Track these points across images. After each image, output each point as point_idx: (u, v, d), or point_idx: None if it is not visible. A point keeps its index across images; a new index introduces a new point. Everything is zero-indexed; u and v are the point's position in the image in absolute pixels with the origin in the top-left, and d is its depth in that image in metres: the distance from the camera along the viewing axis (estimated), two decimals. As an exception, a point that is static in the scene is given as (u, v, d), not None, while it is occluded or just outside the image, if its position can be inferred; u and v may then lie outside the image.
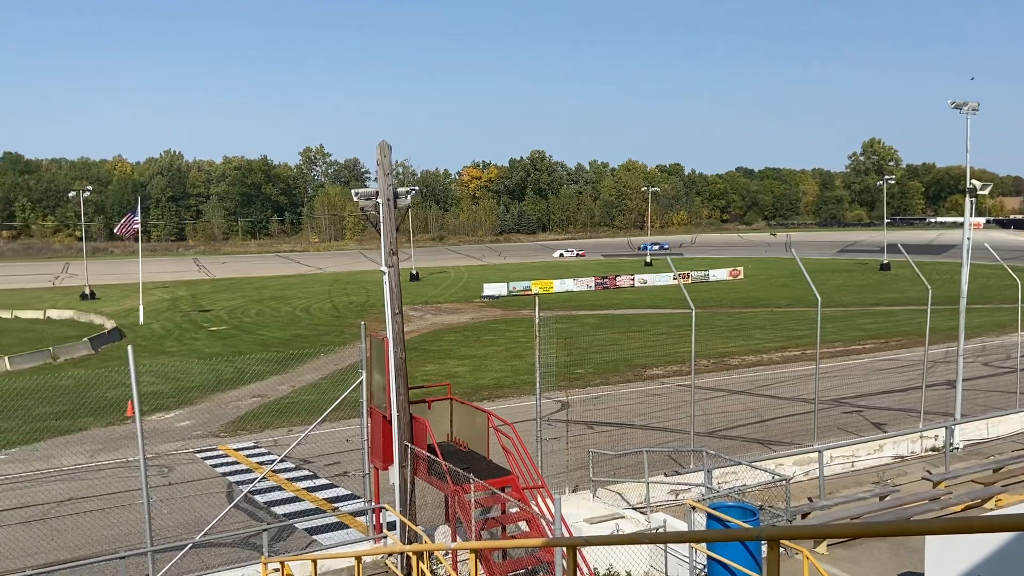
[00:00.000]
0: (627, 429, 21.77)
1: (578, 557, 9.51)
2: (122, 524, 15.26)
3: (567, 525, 10.12)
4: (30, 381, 31.99)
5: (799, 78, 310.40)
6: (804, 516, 13.62)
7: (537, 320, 13.72)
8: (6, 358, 36.55)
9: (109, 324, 48.91)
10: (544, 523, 10.53)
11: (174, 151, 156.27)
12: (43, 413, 26.00)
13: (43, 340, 43.88)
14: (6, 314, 57.18)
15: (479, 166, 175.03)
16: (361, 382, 12.93)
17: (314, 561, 8.96)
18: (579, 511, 13.42)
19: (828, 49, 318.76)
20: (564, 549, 9.41)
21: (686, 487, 15.09)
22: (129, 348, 10.99)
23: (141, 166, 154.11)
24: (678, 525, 12.37)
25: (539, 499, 11.31)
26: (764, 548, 10.40)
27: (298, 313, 55.50)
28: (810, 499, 14.85)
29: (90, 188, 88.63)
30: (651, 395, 26.59)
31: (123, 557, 10.31)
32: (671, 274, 69.31)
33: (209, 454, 21.17)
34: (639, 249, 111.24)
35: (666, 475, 15.82)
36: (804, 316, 44.26)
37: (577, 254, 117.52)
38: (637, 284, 71.57)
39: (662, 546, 11.56)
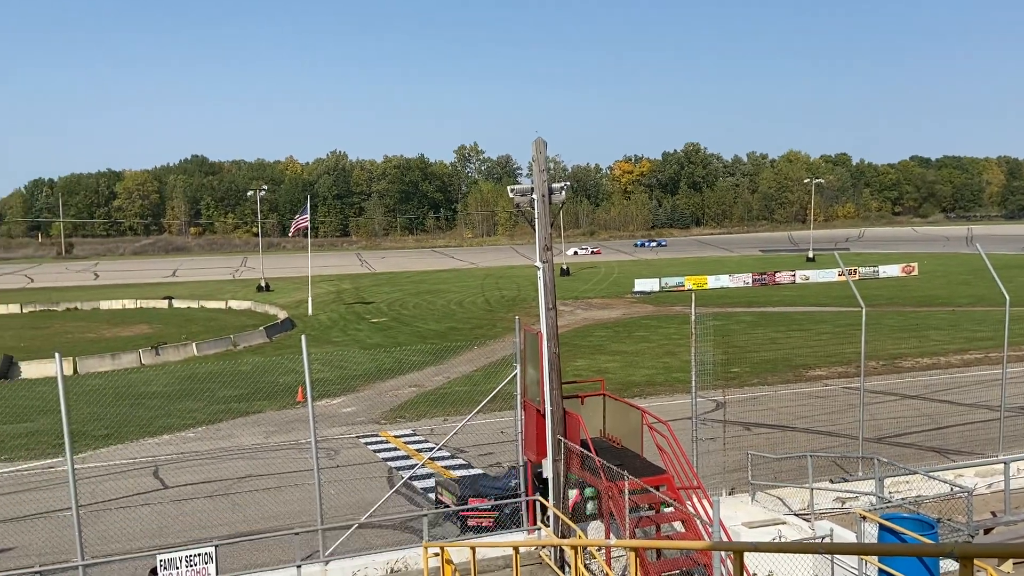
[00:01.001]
0: (787, 432, 20.79)
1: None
2: (294, 502, 16.28)
3: (725, 529, 9.79)
4: (214, 366, 34.90)
5: (981, 58, 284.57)
6: (987, 532, 12.48)
7: (693, 317, 13.35)
8: (193, 344, 40.09)
9: (282, 314, 52.46)
10: (700, 524, 10.25)
11: (339, 151, 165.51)
12: (225, 395, 28.23)
13: (225, 328, 47.76)
14: (193, 304, 62.66)
15: (631, 160, 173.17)
16: (515, 375, 13.09)
17: (473, 548, 9.17)
18: (736, 514, 12.95)
19: (1014, 23, 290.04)
20: (725, 553, 9.14)
21: (853, 495, 14.20)
22: (303, 338, 11.69)
23: (310, 166, 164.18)
24: (846, 535, 11.67)
25: (695, 500, 11.02)
26: (946, 564, 9.60)
27: (452, 307, 57.17)
28: (993, 513, 13.57)
29: (265, 188, 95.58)
30: (813, 397, 25.26)
31: (296, 533, 11.01)
32: (836, 270, 65.55)
33: (370, 439, 22.18)
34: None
35: (832, 481, 14.96)
36: (987, 316, 40.47)
37: (592, 252, 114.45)
38: (799, 280, 68.24)
39: (829, 556, 10.94)
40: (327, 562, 11.57)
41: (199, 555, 10.26)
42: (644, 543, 7.15)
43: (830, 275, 67.12)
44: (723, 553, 8.59)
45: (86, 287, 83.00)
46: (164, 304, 62.69)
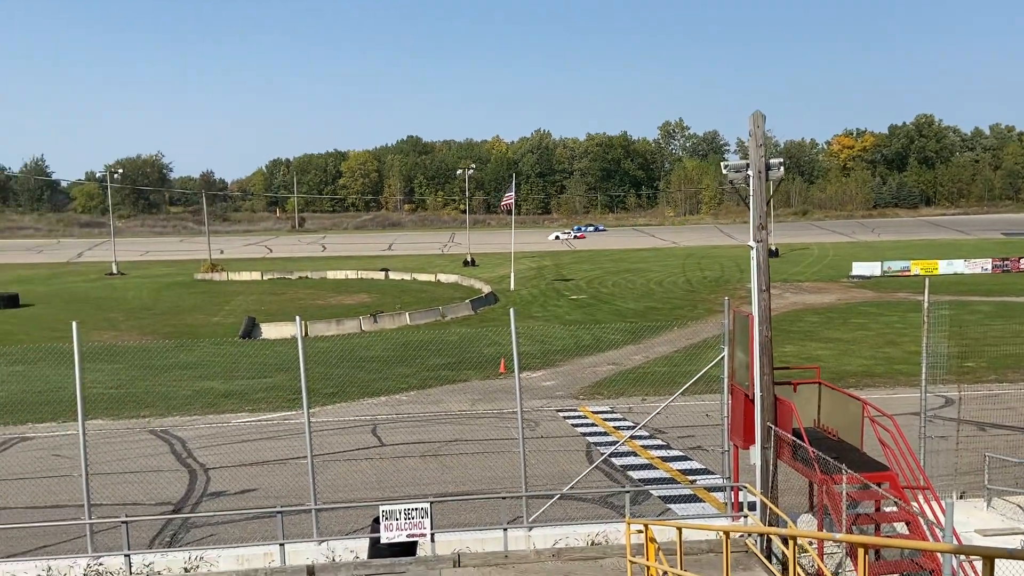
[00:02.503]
0: (1031, 436, 18.55)
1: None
2: (498, 467, 16.93)
3: (956, 535, 8.94)
4: (424, 334, 37.02)
5: None
6: None
7: (926, 304, 12.21)
8: (406, 313, 42.76)
9: (486, 289, 54.52)
10: (925, 526, 9.44)
11: (543, 130, 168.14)
12: (434, 363, 29.86)
13: (434, 300, 50.48)
14: (407, 276, 66.72)
15: (852, 134, 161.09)
16: (722, 358, 12.71)
17: (679, 529, 9.06)
18: (969, 520, 11.81)
19: None
20: (960, 561, 8.34)
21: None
22: (511, 311, 12.07)
23: (515, 145, 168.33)
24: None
25: (920, 501, 10.15)
26: None
27: (652, 286, 56.48)
28: None
29: (473, 166, 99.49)
30: (1065, 399, 22.32)
31: (503, 498, 11.46)
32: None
33: (570, 414, 22.52)
34: None
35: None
36: None
37: (576, 236, 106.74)
38: (1050, 267, 60.44)
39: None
40: (530, 528, 11.94)
41: (416, 509, 10.99)
42: (876, 541, 6.67)
43: (1090, 263, 58.78)
44: (957, 561, 7.85)
45: (315, 257, 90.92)
46: (381, 275, 67.28)
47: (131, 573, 11.16)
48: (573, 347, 32.50)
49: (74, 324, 11.75)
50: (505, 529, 11.75)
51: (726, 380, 12.70)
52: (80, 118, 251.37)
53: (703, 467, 17.21)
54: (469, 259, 76.35)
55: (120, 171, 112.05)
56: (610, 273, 66.19)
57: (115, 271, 73.68)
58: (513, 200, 59.37)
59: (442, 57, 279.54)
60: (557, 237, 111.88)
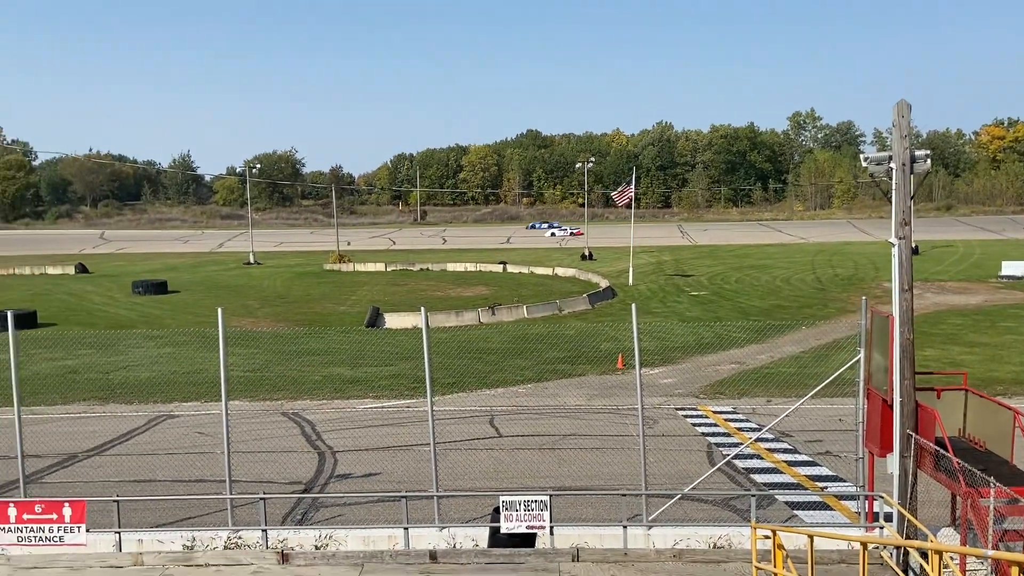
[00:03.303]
0: None
1: None
2: (615, 464, 16.80)
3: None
4: (541, 328, 37.19)
5: None
6: None
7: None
8: (524, 307, 43.07)
9: (604, 283, 54.14)
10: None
11: (665, 122, 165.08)
12: (551, 357, 29.93)
13: (552, 294, 50.59)
14: (524, 269, 67.20)
15: (1002, 124, 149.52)
16: (857, 360, 12.09)
17: (810, 536, 8.69)
18: None
19: None
20: None
21: None
22: (633, 306, 11.94)
23: (635, 138, 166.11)
24: None
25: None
26: None
27: (778, 283, 54.46)
28: None
29: (592, 160, 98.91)
30: None
31: (623, 495, 11.36)
32: None
33: (689, 413, 22.05)
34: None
35: None
36: None
37: (571, 232, 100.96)
38: None
39: None
40: (650, 527, 11.79)
41: (536, 502, 11.07)
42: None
43: None
44: None
45: (436, 250, 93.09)
46: (499, 268, 68.06)
47: (267, 547, 11.80)
48: (693, 344, 31.80)
49: (219, 311, 12.50)
50: (625, 526, 11.64)
51: (862, 384, 12.09)
52: (222, 116, 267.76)
53: (833, 474, 16.48)
54: (587, 253, 76.04)
55: (258, 166, 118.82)
56: (733, 269, 64.30)
57: (252, 261, 78.03)
58: (633, 194, 58.59)
59: (563, 51, 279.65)
60: (552, 234, 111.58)
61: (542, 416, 21.79)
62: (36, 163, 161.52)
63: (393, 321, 39.87)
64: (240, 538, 12.15)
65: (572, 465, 17.21)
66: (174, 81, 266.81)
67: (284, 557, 10.82)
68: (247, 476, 15.16)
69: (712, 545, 11.44)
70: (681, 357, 29.75)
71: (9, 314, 13.17)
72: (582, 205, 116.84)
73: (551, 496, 11.45)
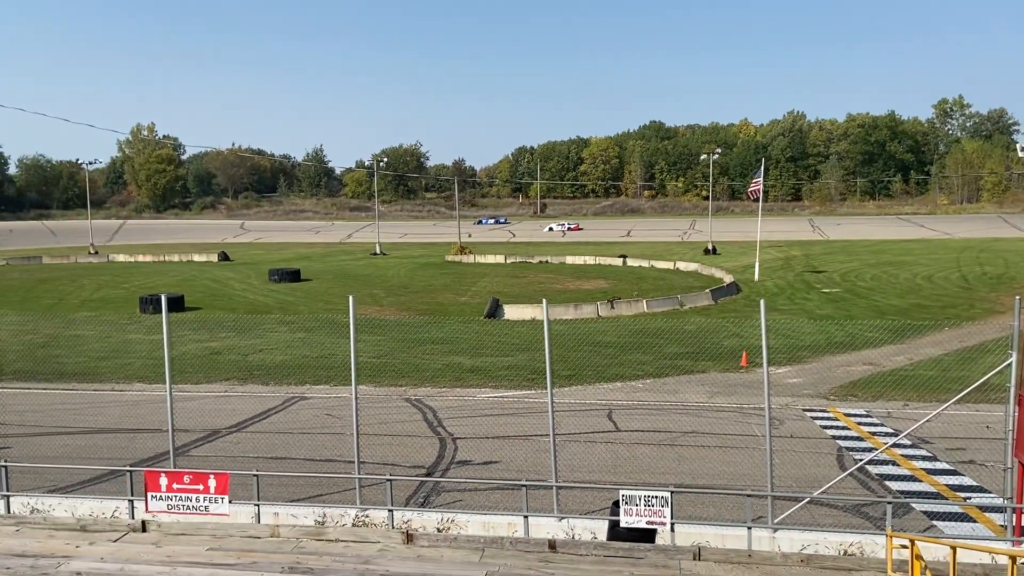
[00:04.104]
0: None
1: None
2: (737, 464, 16.36)
3: None
4: (661, 323, 36.61)
5: None
6: None
7: None
8: (644, 301, 42.53)
9: (728, 278, 52.69)
10: None
11: (797, 112, 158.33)
12: (671, 352, 29.42)
13: (672, 288, 49.72)
14: (645, 263, 66.32)
15: None
16: (1009, 364, 11.24)
17: (953, 548, 8.18)
18: None
19: None
20: None
21: None
22: (761, 302, 11.56)
23: (764, 128, 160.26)
24: None
25: None
26: None
27: (919, 281, 51.31)
28: None
29: (718, 151, 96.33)
30: None
31: (748, 495, 11.04)
32: None
33: (818, 414, 21.16)
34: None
35: None
36: None
37: (570, 228, 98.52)
38: None
39: None
40: (775, 529, 11.42)
41: (656, 497, 10.94)
42: None
43: None
44: None
45: (555, 243, 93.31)
46: (619, 262, 67.47)
47: (392, 527, 12.24)
48: (823, 344, 30.46)
49: (351, 299, 13.04)
50: (749, 527, 11.32)
51: (1013, 389, 11.23)
52: (353, 112, 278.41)
53: (976, 484, 15.43)
54: (710, 247, 74.20)
55: (384, 160, 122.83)
56: (869, 266, 61.05)
57: (378, 251, 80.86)
58: (761, 186, 56.64)
59: (687, 40, 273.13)
60: (551, 229, 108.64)
61: (661, 412, 21.46)
62: (184, 157, 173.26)
63: (512, 312, 40.31)
64: (367, 516, 12.66)
65: (692, 463, 16.88)
66: (309, 79, 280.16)
67: (409, 537, 11.18)
68: (373, 458, 15.75)
69: (842, 552, 10.94)
70: (810, 356, 28.57)
71: (163, 298, 14.19)
72: (706, 198, 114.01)
73: (672, 492, 11.28)
